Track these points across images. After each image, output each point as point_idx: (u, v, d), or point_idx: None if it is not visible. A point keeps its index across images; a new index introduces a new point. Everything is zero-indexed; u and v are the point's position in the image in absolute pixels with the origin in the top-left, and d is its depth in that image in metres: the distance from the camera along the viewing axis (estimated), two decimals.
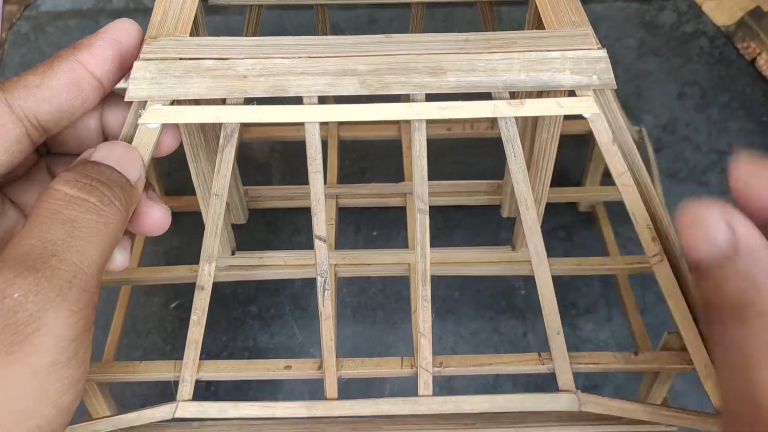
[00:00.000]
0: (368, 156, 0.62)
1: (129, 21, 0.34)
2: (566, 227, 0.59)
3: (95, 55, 0.33)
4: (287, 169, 0.63)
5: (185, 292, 0.57)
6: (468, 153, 0.62)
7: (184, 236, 0.60)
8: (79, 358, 0.27)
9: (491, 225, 0.59)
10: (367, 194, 0.50)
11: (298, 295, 0.57)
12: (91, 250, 0.28)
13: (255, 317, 0.56)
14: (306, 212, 0.60)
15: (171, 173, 0.60)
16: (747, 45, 0.68)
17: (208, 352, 0.53)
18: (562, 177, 0.58)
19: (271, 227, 0.60)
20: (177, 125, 0.35)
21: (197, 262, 0.38)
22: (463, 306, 0.55)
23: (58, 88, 0.32)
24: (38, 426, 0.26)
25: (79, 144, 0.36)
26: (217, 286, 0.37)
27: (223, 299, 0.57)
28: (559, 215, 0.59)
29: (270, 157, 0.63)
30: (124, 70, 0.34)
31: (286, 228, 0.60)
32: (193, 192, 0.46)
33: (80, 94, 0.33)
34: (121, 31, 0.34)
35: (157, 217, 0.35)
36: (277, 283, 0.57)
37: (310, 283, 0.57)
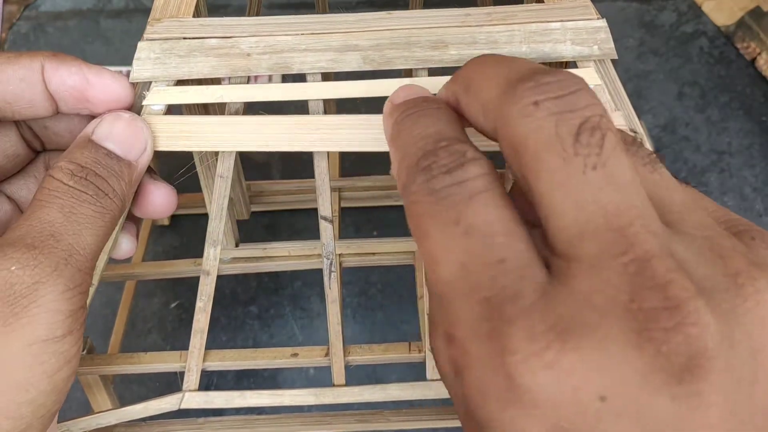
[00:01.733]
0: (368, 157, 0.62)
1: (120, 78, 0.33)
2: None
3: (60, 72, 0.32)
4: (287, 170, 0.63)
5: (185, 292, 0.57)
6: None
7: (184, 237, 0.60)
8: (74, 335, 0.27)
9: None
10: (370, 186, 0.50)
11: (298, 295, 0.57)
12: (87, 236, 0.29)
13: (255, 317, 0.56)
14: (305, 214, 0.60)
15: (171, 174, 0.60)
16: (747, 45, 0.68)
17: None
18: None
19: (269, 230, 0.60)
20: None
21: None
22: None
23: (9, 77, 0.32)
24: (33, 399, 0.26)
25: (74, 139, 0.36)
26: (218, 286, 0.36)
27: (223, 299, 0.56)
28: None
29: (270, 158, 0.63)
30: (84, 106, 0.33)
31: (285, 230, 0.60)
32: (192, 189, 0.46)
33: (27, 95, 0.32)
34: (105, 80, 0.32)
35: (162, 198, 0.35)
36: (277, 283, 0.57)
37: (310, 283, 0.57)
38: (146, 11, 0.35)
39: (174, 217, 0.60)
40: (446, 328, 0.23)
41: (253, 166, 0.63)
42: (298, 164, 0.63)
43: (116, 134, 0.32)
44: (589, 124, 0.22)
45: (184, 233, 0.60)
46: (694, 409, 0.19)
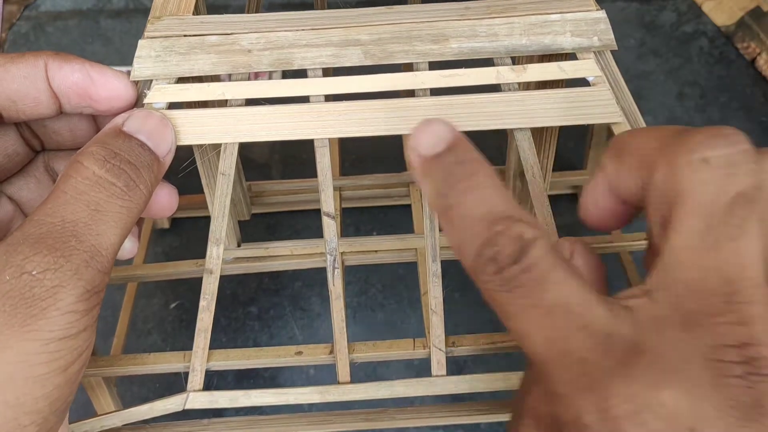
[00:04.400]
0: (368, 158, 0.62)
1: (122, 76, 0.33)
2: (568, 226, 0.59)
3: (63, 70, 0.32)
4: (287, 171, 0.63)
5: (185, 292, 0.57)
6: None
7: (184, 239, 0.59)
8: (88, 332, 0.28)
9: None
10: (371, 185, 0.50)
11: (298, 295, 0.57)
12: (111, 234, 0.29)
13: (255, 318, 0.56)
14: (305, 214, 0.60)
15: (168, 176, 0.60)
16: (747, 45, 0.68)
17: None
18: (563, 170, 0.57)
19: (270, 231, 0.60)
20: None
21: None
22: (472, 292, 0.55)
23: (14, 75, 0.32)
24: (49, 394, 0.27)
25: (74, 139, 0.36)
26: (218, 287, 0.36)
27: (223, 300, 0.56)
28: (561, 215, 0.59)
29: (270, 159, 0.63)
30: (87, 104, 0.33)
31: (285, 232, 0.59)
32: (192, 191, 0.46)
33: (32, 94, 0.32)
34: (108, 78, 0.33)
35: (165, 197, 0.35)
36: (277, 284, 0.57)
37: (310, 284, 0.57)
38: (146, 11, 0.35)
39: (174, 220, 0.60)
40: (548, 388, 0.26)
41: (254, 167, 0.63)
42: (298, 165, 0.63)
43: (148, 129, 0.32)
44: (745, 197, 0.25)
45: (184, 235, 0.59)
46: None
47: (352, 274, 0.57)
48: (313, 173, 0.35)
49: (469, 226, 0.28)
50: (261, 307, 0.56)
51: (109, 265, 0.29)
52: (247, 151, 0.63)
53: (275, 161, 0.63)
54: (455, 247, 0.29)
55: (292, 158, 0.63)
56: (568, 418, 0.25)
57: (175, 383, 0.37)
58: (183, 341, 0.55)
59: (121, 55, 0.68)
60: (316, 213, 0.36)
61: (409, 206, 0.51)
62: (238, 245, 0.44)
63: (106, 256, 0.28)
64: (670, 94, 0.67)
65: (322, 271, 0.38)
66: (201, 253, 0.36)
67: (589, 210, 0.31)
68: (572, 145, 0.60)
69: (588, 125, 0.54)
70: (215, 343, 0.53)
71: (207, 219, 0.36)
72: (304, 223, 0.59)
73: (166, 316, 0.56)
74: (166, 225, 0.60)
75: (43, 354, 0.26)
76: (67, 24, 0.71)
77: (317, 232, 0.36)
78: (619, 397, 0.23)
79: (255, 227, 0.58)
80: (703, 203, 0.25)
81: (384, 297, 0.57)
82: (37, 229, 0.28)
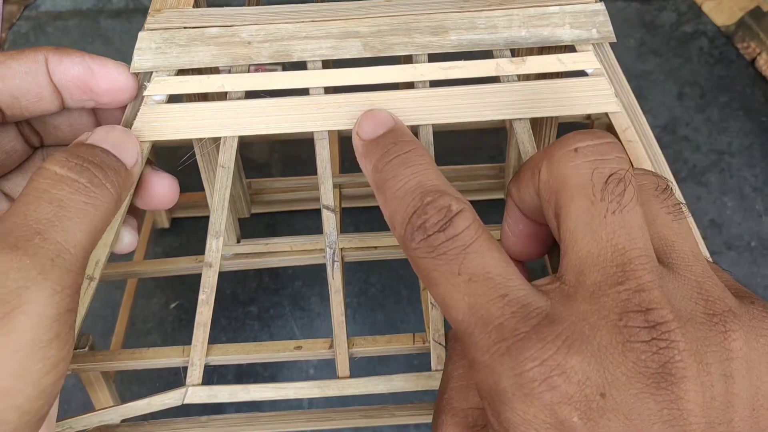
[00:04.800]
0: None
1: (123, 68, 0.34)
2: None
3: (63, 63, 0.32)
4: (287, 170, 0.63)
5: (185, 292, 0.57)
6: (468, 145, 0.62)
7: (183, 238, 0.59)
8: (61, 339, 0.26)
9: (497, 207, 0.59)
10: None
11: (297, 295, 0.56)
12: (78, 231, 0.27)
13: (255, 317, 0.56)
14: (304, 215, 0.60)
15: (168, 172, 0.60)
16: (747, 45, 0.68)
17: None
18: None
19: (269, 230, 0.60)
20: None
21: None
22: None
23: (15, 72, 0.32)
24: (19, 406, 0.25)
25: (73, 135, 0.36)
26: (218, 287, 0.36)
27: (223, 299, 0.56)
28: None
29: (270, 158, 0.63)
30: (89, 97, 0.33)
31: (284, 231, 0.59)
32: (192, 189, 0.46)
33: (35, 89, 0.32)
34: (109, 70, 0.33)
35: (164, 188, 0.34)
36: (277, 283, 0.57)
37: (310, 283, 0.57)
38: (146, 11, 0.35)
39: (174, 219, 0.60)
40: (469, 356, 0.27)
41: (254, 166, 0.63)
42: (298, 164, 0.63)
43: (111, 139, 0.31)
44: (617, 176, 0.27)
45: (184, 235, 0.59)
46: (673, 412, 0.24)
47: (352, 274, 0.57)
48: (312, 172, 0.35)
49: (401, 196, 0.29)
50: (261, 306, 0.56)
51: (79, 264, 0.27)
52: (247, 151, 0.63)
53: (275, 161, 0.63)
54: (388, 218, 0.30)
55: (292, 158, 0.63)
56: (488, 386, 0.26)
57: (176, 383, 0.37)
58: (183, 341, 0.54)
59: (122, 55, 0.67)
60: (316, 213, 0.36)
61: None
62: (238, 241, 0.44)
63: (75, 254, 0.27)
64: (670, 94, 0.67)
65: (322, 270, 0.38)
66: (201, 253, 0.36)
67: (510, 240, 0.34)
68: None
69: (588, 124, 0.54)
70: (215, 342, 0.53)
71: (207, 219, 0.36)
72: (303, 224, 0.59)
73: (166, 316, 0.56)
74: (166, 225, 0.60)
75: (12, 363, 0.25)
76: (67, 24, 0.71)
77: (317, 232, 0.36)
78: (533, 362, 0.24)
79: (254, 227, 0.58)
80: (581, 184, 0.27)
81: (384, 297, 0.57)
82: (0, 228, 0.26)
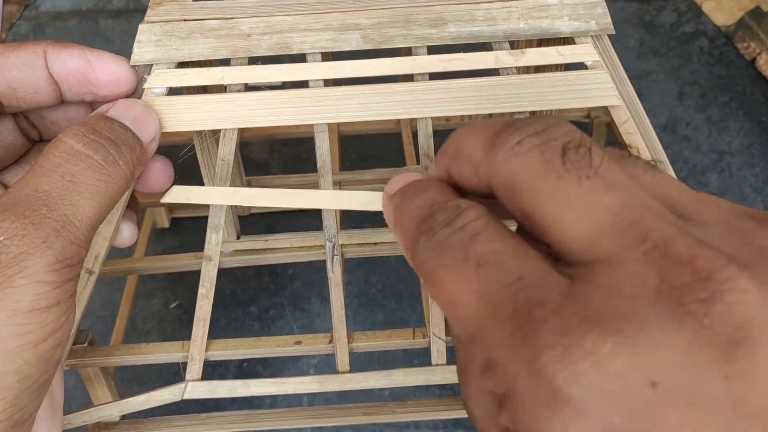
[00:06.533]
0: (368, 157, 0.62)
1: (122, 60, 0.34)
2: None
3: (62, 56, 0.32)
4: (287, 170, 0.63)
5: (185, 292, 0.57)
6: None
7: (183, 238, 0.59)
8: (61, 307, 0.27)
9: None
10: (371, 180, 0.50)
11: (297, 295, 0.56)
12: (86, 206, 0.28)
13: (255, 318, 0.56)
14: (304, 215, 0.60)
15: None
16: (747, 45, 0.68)
17: None
18: None
19: (270, 230, 0.59)
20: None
21: None
22: None
23: (13, 63, 0.32)
24: (19, 369, 0.26)
25: None
26: (217, 287, 0.36)
27: (223, 300, 0.56)
28: None
29: (270, 158, 0.63)
30: (88, 90, 0.33)
31: (284, 231, 0.59)
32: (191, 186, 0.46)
33: (32, 80, 0.32)
34: (107, 62, 0.33)
35: (159, 169, 0.34)
36: (276, 283, 0.57)
37: (310, 284, 0.57)
38: (146, 11, 0.36)
39: (174, 219, 0.60)
40: (483, 359, 0.22)
41: (254, 166, 0.63)
42: (298, 163, 0.63)
43: (132, 115, 0.32)
44: (573, 143, 0.23)
45: (184, 235, 0.59)
46: (750, 389, 0.18)
47: (352, 274, 0.57)
48: (313, 171, 0.35)
49: (412, 216, 0.27)
50: (261, 306, 0.56)
51: (84, 238, 0.28)
52: (246, 151, 0.63)
53: (275, 160, 0.63)
54: (400, 241, 0.28)
55: (292, 157, 0.63)
56: (503, 390, 0.21)
57: (176, 382, 0.37)
58: (183, 341, 0.54)
59: (122, 55, 0.68)
60: (315, 213, 0.36)
61: None
62: (238, 238, 0.44)
63: (81, 227, 0.28)
64: (670, 94, 0.67)
65: (322, 270, 0.38)
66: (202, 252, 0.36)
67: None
68: None
69: (588, 124, 0.54)
70: None
71: (207, 219, 0.36)
72: (303, 224, 0.59)
73: (166, 316, 0.56)
74: (166, 224, 0.60)
75: (11, 326, 0.25)
76: (67, 24, 0.72)
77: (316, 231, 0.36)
78: (555, 351, 0.19)
79: (254, 227, 0.58)
80: (537, 166, 0.23)
81: (384, 297, 0.57)
82: (9, 198, 0.27)
